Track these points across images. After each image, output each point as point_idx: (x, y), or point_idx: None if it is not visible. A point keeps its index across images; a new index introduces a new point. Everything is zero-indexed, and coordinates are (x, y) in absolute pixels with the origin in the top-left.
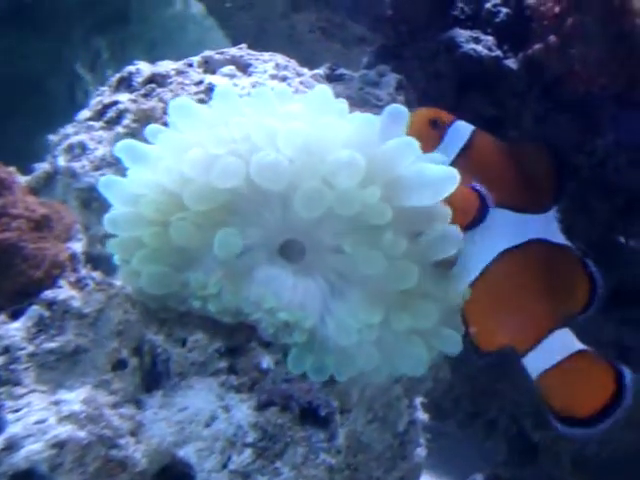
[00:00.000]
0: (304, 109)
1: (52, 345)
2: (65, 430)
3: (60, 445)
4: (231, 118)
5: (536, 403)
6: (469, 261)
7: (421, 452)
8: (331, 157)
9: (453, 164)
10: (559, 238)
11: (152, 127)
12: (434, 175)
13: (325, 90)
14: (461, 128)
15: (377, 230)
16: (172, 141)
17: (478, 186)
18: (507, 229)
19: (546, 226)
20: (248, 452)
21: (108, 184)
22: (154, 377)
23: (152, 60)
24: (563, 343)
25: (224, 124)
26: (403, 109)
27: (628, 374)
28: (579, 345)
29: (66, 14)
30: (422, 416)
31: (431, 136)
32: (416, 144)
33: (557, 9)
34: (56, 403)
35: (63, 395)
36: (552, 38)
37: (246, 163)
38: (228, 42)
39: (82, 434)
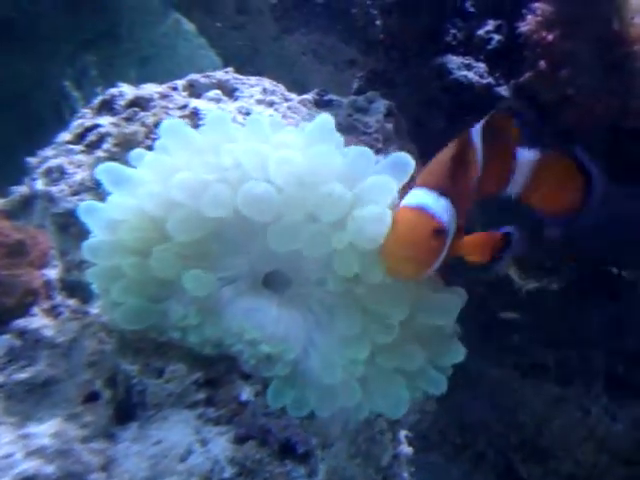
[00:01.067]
0: (298, 139)
1: (22, 376)
2: (32, 465)
3: None
4: (222, 144)
5: (524, 437)
6: None
7: None
8: (323, 189)
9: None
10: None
11: (137, 151)
12: None
13: (327, 120)
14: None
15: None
16: (160, 164)
17: None
18: None
19: None
20: None
21: (88, 210)
22: (128, 409)
23: (143, 77)
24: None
25: (215, 150)
26: (408, 162)
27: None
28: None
29: (54, 31)
30: (406, 449)
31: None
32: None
33: (550, 37)
34: (24, 437)
35: (32, 428)
36: (542, 64)
37: (235, 192)
38: (220, 61)
39: (50, 469)
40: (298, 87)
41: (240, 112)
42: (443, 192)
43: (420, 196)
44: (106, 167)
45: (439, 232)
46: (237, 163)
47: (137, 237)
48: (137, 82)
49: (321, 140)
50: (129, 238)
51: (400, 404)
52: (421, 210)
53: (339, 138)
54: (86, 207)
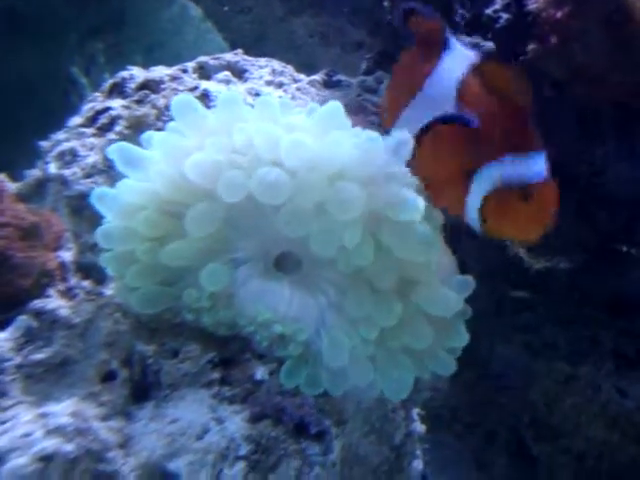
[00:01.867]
0: (307, 121)
1: (40, 356)
2: (52, 444)
3: (47, 459)
4: (234, 125)
5: (535, 416)
6: None
7: (418, 465)
8: (338, 185)
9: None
10: None
11: (148, 134)
12: (421, 236)
13: (337, 106)
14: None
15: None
16: (171, 144)
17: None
18: None
19: None
20: (240, 465)
21: (100, 196)
22: (144, 388)
23: (150, 63)
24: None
25: (227, 131)
26: (406, 137)
27: None
28: None
29: (61, 18)
30: (419, 427)
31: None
32: (418, 203)
33: (559, 14)
34: (43, 416)
35: (50, 407)
36: (552, 39)
37: (247, 175)
38: (227, 45)
39: (69, 448)
40: (306, 69)
41: (250, 93)
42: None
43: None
44: (118, 146)
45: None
46: (249, 143)
47: (150, 222)
48: (144, 68)
49: (332, 126)
50: (142, 223)
51: (402, 388)
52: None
53: (348, 123)
54: (98, 194)
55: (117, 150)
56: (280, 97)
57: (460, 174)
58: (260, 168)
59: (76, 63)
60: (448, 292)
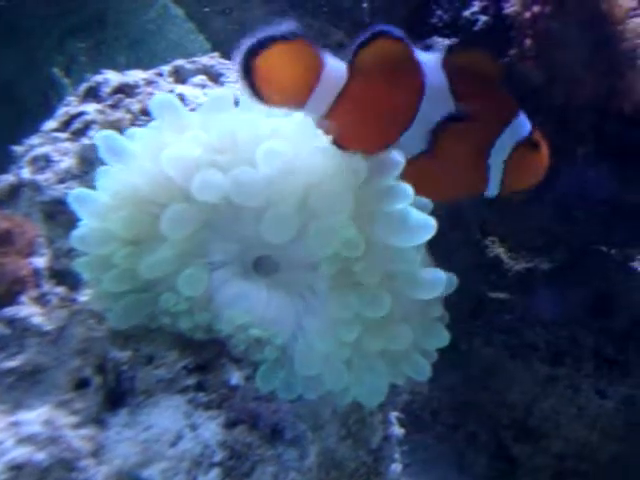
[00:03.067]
0: (289, 125)
1: (12, 364)
2: (23, 453)
3: (17, 468)
4: (214, 125)
5: (515, 417)
6: None
7: (396, 468)
8: (325, 187)
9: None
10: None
11: (133, 130)
12: (416, 221)
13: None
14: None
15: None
16: (153, 141)
17: None
18: None
19: None
20: (215, 472)
21: (78, 198)
22: (119, 395)
23: (132, 63)
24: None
25: (206, 129)
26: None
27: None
28: None
29: (41, 18)
30: (397, 431)
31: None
32: (408, 190)
33: (536, 9)
34: (14, 424)
35: (22, 416)
36: (528, 42)
37: (225, 176)
38: (209, 45)
39: (41, 457)
40: None
41: None
42: None
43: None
44: (104, 134)
45: None
46: (230, 140)
47: (128, 222)
48: (127, 67)
49: (308, 134)
50: (120, 223)
51: (377, 394)
52: None
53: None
54: (75, 195)
55: (103, 138)
56: None
57: (478, 156)
58: (237, 167)
59: (57, 63)
60: (433, 271)
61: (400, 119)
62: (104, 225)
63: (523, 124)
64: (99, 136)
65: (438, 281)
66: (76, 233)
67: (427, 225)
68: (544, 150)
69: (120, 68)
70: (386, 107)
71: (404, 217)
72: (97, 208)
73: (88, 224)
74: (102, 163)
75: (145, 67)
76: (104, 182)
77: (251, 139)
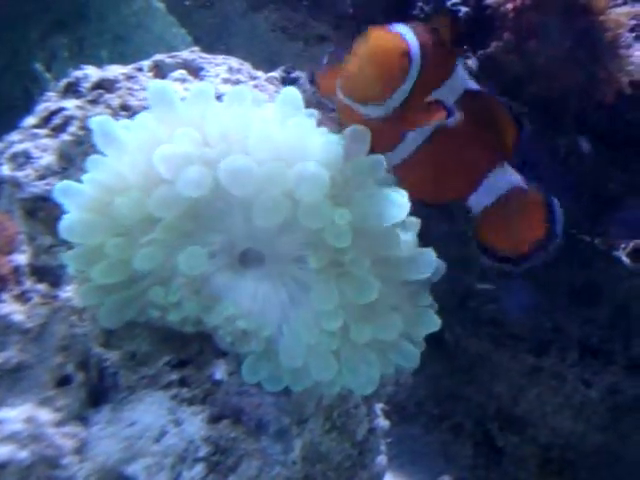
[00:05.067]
0: (278, 114)
1: None
2: (6, 451)
3: (1, 466)
4: (205, 117)
5: (501, 407)
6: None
7: (382, 460)
8: (296, 168)
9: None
10: (472, 85)
11: (125, 121)
12: (396, 201)
13: (297, 95)
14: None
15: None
16: (145, 135)
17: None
18: None
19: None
20: (200, 467)
21: (64, 190)
22: (102, 392)
23: (115, 57)
24: (502, 180)
25: (197, 123)
26: (363, 131)
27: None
28: (517, 180)
29: (23, 13)
30: (383, 423)
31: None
32: (381, 164)
33: (518, 1)
34: None
35: (4, 414)
36: (507, 35)
37: (214, 168)
38: (191, 39)
39: (24, 454)
40: (269, 64)
41: None
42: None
43: (396, 25)
44: (99, 120)
45: (407, 55)
46: (217, 138)
47: (118, 216)
48: (110, 62)
49: (292, 114)
50: (110, 217)
51: (369, 382)
52: (394, 32)
53: (310, 111)
54: (62, 187)
55: (98, 123)
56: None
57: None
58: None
59: (39, 58)
60: (422, 251)
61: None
62: (93, 216)
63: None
64: (94, 121)
65: (428, 260)
66: (63, 223)
67: (404, 204)
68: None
69: (103, 63)
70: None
71: (381, 196)
72: (84, 200)
73: (76, 215)
74: (84, 158)
75: (128, 62)
76: (94, 174)
77: (242, 132)
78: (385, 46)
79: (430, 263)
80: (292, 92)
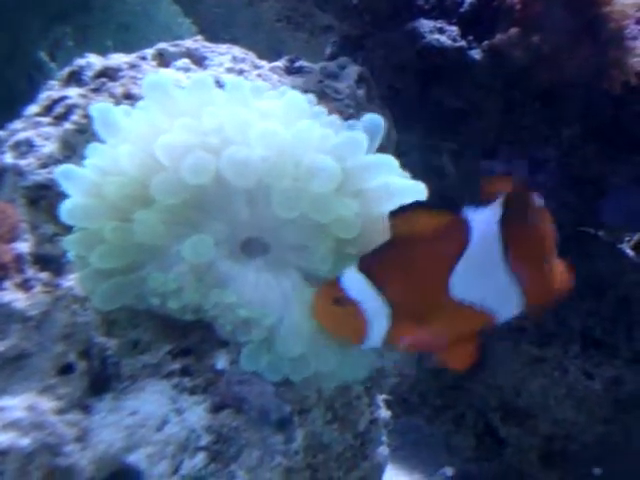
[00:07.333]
0: (279, 108)
1: None
2: (7, 438)
3: (2, 453)
4: (205, 107)
5: (503, 398)
6: None
7: (383, 451)
8: (307, 160)
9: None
10: None
11: (125, 108)
12: (401, 186)
13: (299, 96)
14: (351, 279)
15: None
16: (144, 124)
17: None
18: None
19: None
20: (201, 456)
21: (66, 173)
22: (104, 380)
23: (119, 46)
24: None
25: (197, 114)
26: (378, 122)
27: None
28: None
29: (26, 2)
30: (384, 414)
31: (349, 314)
32: (393, 162)
33: None
34: None
35: (6, 401)
36: (513, 29)
37: (216, 157)
38: (196, 28)
39: (25, 442)
40: (273, 54)
41: None
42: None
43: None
44: (100, 106)
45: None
46: (219, 127)
47: (118, 200)
48: (114, 51)
49: (300, 112)
50: (110, 202)
51: (362, 370)
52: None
53: (317, 109)
54: (65, 170)
55: (99, 110)
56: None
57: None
58: (230, 148)
59: (43, 47)
60: None
61: None
62: (94, 200)
63: None
64: (95, 107)
65: None
66: (65, 206)
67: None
68: None
69: (107, 52)
70: None
71: (389, 189)
72: (87, 185)
73: (77, 199)
74: (86, 147)
75: (133, 51)
76: (95, 159)
77: (241, 123)
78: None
79: None
80: (295, 97)
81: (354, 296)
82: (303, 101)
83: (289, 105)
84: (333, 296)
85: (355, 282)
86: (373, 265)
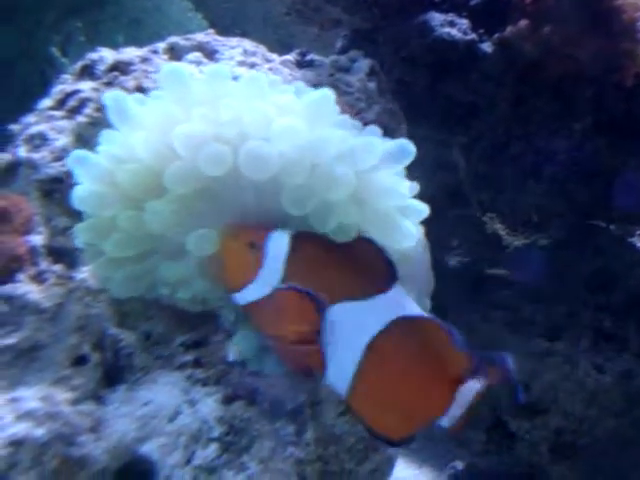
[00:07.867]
0: (297, 103)
1: (9, 341)
2: (22, 428)
3: (17, 443)
4: (221, 99)
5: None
6: (341, 364)
7: None
8: (325, 165)
9: (283, 278)
10: (415, 310)
11: (140, 97)
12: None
13: (327, 95)
14: (278, 239)
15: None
16: (160, 112)
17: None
18: (360, 318)
19: (399, 302)
20: (213, 447)
21: (79, 159)
22: (117, 371)
23: (130, 41)
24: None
25: (213, 104)
26: (409, 149)
27: None
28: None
29: None
30: None
31: (251, 260)
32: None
33: None
34: (13, 400)
35: (21, 392)
36: (523, 22)
37: (232, 149)
38: (207, 23)
39: (40, 432)
40: (283, 48)
41: None
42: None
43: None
44: (114, 95)
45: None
46: (237, 119)
47: (131, 189)
48: (126, 46)
49: (322, 116)
50: (122, 189)
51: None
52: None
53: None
54: (77, 156)
55: (113, 98)
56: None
57: None
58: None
59: (54, 42)
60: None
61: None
62: (106, 188)
63: None
64: (108, 96)
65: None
66: (76, 193)
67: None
68: None
69: (119, 47)
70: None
71: (394, 219)
72: (99, 172)
73: (89, 186)
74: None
75: (144, 46)
76: (108, 147)
77: (260, 116)
78: None
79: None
80: (325, 94)
81: (267, 253)
82: (330, 102)
83: (313, 104)
84: (254, 239)
85: (278, 246)
86: (305, 248)
